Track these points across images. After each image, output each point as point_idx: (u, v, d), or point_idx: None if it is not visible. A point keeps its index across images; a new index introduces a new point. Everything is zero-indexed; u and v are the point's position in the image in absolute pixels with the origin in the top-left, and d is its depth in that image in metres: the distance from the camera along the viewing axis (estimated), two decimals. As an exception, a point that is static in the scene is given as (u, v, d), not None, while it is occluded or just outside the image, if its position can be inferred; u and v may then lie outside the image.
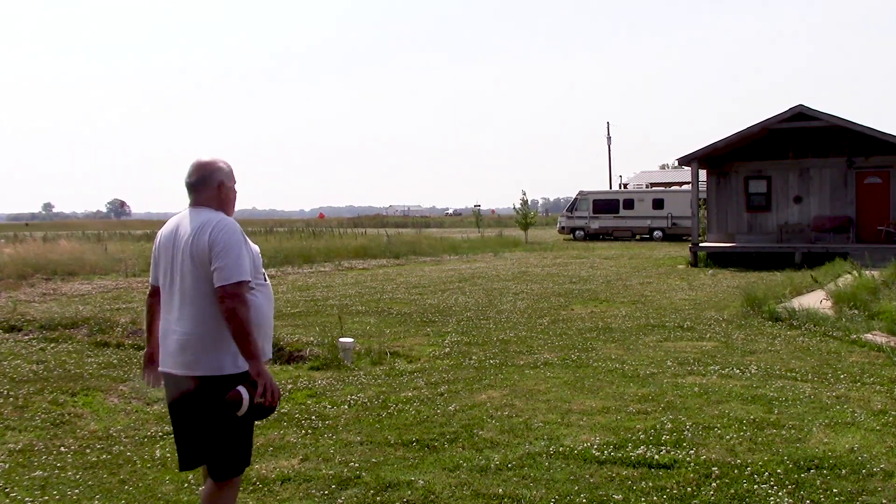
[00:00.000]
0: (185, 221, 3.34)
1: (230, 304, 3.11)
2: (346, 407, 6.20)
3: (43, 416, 6.00)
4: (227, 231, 3.21)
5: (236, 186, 3.47)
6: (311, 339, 9.10)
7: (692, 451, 4.91)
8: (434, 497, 4.28)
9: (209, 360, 3.22)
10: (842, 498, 4.18)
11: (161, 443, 5.36)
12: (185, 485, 4.54)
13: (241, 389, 3.13)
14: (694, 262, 20.91)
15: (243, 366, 3.20)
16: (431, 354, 8.48)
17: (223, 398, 3.16)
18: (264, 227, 51.30)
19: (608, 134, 62.85)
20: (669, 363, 7.72)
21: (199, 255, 3.21)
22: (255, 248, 3.44)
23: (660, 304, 12.55)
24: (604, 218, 38.16)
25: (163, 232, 3.44)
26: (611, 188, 52.07)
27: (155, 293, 3.50)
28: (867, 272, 12.39)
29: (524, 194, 39.40)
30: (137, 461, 4.98)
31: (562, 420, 5.72)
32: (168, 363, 3.33)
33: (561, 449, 5.01)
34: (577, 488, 4.35)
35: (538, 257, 25.52)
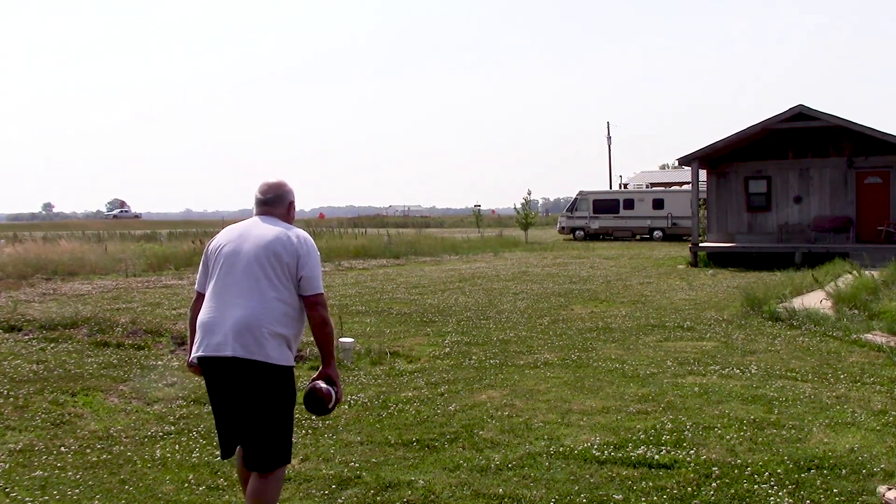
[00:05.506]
0: (259, 224, 3.57)
1: (322, 312, 3.50)
2: (346, 407, 6.20)
3: (43, 416, 6.00)
4: (313, 246, 3.54)
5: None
6: (311, 338, 9.08)
7: (692, 451, 4.91)
8: (434, 497, 4.28)
9: (267, 347, 3.35)
10: (842, 498, 4.18)
11: (161, 443, 5.36)
12: (185, 485, 4.54)
13: (329, 388, 3.51)
14: (694, 262, 20.91)
15: (286, 361, 3.44)
16: (431, 354, 8.49)
17: (297, 390, 3.43)
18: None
19: (608, 134, 62.87)
20: (669, 363, 7.73)
21: (283, 253, 3.42)
22: None
23: (660, 304, 12.56)
24: (604, 218, 38.13)
25: (229, 229, 3.61)
26: (611, 188, 52.03)
27: (201, 299, 3.57)
28: (867, 272, 12.38)
29: (529, 193, 39.32)
30: (137, 461, 4.98)
31: (562, 420, 5.73)
32: (222, 347, 3.35)
33: (561, 449, 5.01)
34: (577, 488, 4.35)
35: (538, 257, 25.51)
